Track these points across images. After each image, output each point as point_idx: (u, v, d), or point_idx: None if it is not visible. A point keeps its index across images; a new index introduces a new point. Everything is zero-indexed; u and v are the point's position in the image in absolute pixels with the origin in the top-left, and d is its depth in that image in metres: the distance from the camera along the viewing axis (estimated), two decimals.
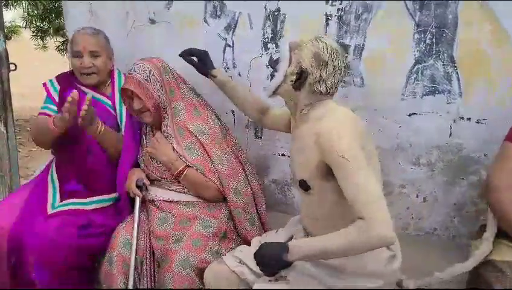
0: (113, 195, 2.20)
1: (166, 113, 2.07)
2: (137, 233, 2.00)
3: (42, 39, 5.80)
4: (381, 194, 1.46)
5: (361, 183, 1.44)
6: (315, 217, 1.71)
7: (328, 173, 1.54)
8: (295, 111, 1.68)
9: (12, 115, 2.75)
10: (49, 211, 2.07)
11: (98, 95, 2.22)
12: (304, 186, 1.64)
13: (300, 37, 1.62)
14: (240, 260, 1.79)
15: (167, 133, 2.08)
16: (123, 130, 2.19)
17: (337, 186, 1.52)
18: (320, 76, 1.57)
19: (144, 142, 2.18)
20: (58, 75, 2.32)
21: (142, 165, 2.18)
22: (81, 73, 2.16)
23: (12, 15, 6.20)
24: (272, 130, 2.19)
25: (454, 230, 2.24)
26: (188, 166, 2.04)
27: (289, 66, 1.60)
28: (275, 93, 1.67)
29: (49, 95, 2.23)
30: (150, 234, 2.05)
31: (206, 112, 2.13)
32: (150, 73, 2.01)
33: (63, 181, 2.18)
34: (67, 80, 2.26)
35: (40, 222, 1.99)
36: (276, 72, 1.63)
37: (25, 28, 5.88)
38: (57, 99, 2.21)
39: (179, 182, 2.08)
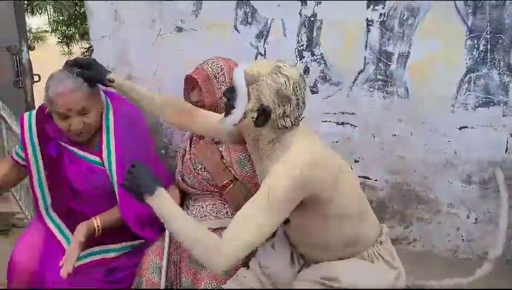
0: (138, 241, 2.03)
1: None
2: (168, 259, 1.92)
3: (68, 45, 5.82)
4: (251, 242, 1.40)
5: (250, 215, 1.40)
6: (305, 244, 1.67)
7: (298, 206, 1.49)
8: (258, 144, 1.57)
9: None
10: None
11: (83, 153, 1.94)
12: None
13: (253, 66, 1.48)
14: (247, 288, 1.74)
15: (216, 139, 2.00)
16: (115, 186, 1.92)
17: (311, 213, 1.51)
18: (284, 112, 1.46)
19: (188, 147, 2.09)
20: (37, 113, 1.96)
21: (178, 177, 2.08)
22: (73, 134, 1.87)
23: (39, 21, 6.25)
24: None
25: (510, 254, 2.09)
26: (235, 179, 1.95)
27: (248, 101, 1.47)
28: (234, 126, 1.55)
29: (22, 137, 1.93)
30: (180, 259, 1.96)
31: None
32: (220, 71, 1.95)
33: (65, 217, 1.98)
34: (43, 126, 1.93)
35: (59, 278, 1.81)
36: (231, 103, 1.49)
37: (51, 34, 5.91)
38: (27, 142, 1.92)
39: (219, 195, 1.99)
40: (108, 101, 1.96)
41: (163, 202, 1.45)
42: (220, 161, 1.95)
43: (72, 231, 1.86)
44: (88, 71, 1.81)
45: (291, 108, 1.46)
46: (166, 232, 1.95)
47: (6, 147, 3.39)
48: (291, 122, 1.48)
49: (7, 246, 2.51)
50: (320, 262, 1.64)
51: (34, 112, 1.96)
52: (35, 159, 1.92)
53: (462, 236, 2.15)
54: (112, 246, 1.96)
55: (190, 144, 2.09)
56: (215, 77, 1.94)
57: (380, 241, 1.61)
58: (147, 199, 1.44)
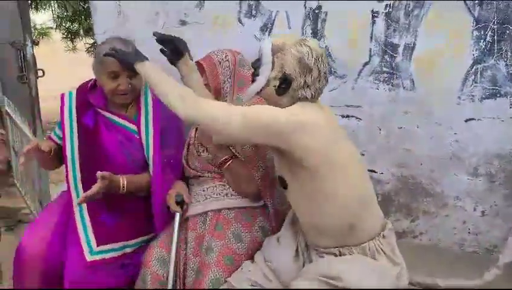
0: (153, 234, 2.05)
1: (225, 101, 2.04)
2: (176, 252, 1.91)
3: (72, 41, 5.81)
4: (218, 116, 1.51)
5: (231, 109, 1.53)
6: (303, 218, 1.69)
7: (289, 161, 1.56)
8: None
9: (41, 121, 2.70)
10: (88, 257, 1.90)
11: (121, 121, 2.01)
12: (282, 183, 1.66)
13: (280, 38, 1.59)
14: (252, 282, 1.73)
15: None
16: (151, 159, 1.99)
17: (307, 176, 1.55)
18: (305, 82, 1.55)
19: (193, 133, 2.14)
20: (81, 87, 2.10)
21: (183, 161, 2.13)
22: (117, 94, 1.95)
23: (44, 17, 6.25)
24: None
25: None
26: (234, 156, 1.98)
27: (272, 69, 1.56)
28: (255, 96, 1.65)
29: (61, 114, 2.02)
30: (186, 252, 1.97)
31: None
32: (225, 58, 2.06)
33: (95, 218, 1.99)
34: (84, 97, 2.04)
35: (78, 271, 1.86)
36: (258, 74, 1.59)
37: (55, 30, 5.90)
38: (66, 119, 2.01)
39: (221, 176, 2.03)
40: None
41: (151, 68, 1.65)
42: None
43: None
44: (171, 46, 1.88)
45: (312, 78, 1.54)
46: (175, 226, 1.95)
47: (12, 142, 3.41)
48: (312, 93, 1.56)
49: (13, 241, 2.52)
50: (322, 248, 1.65)
51: (74, 90, 2.06)
52: (70, 135, 1.99)
53: (469, 229, 2.12)
54: (130, 242, 1.98)
55: (195, 132, 2.13)
56: (220, 63, 2.04)
57: (383, 235, 1.61)
58: (138, 64, 1.65)
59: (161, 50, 1.85)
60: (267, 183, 1.99)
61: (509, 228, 1.92)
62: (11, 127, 3.34)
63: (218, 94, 2.05)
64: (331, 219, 1.57)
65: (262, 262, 1.77)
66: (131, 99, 2.00)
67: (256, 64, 1.60)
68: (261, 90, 1.59)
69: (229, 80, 2.06)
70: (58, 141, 2.04)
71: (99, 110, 2.00)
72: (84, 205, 1.96)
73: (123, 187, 1.90)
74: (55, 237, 1.93)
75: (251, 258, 1.88)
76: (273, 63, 1.55)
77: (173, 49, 1.82)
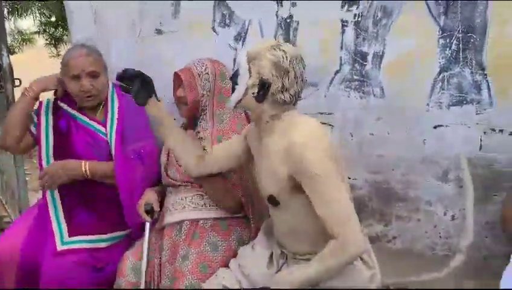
0: (129, 230, 2.12)
1: (204, 114, 2.05)
2: (147, 260, 1.94)
3: (56, 47, 5.80)
4: (352, 210, 1.49)
5: (334, 200, 1.47)
6: (287, 231, 1.68)
7: (297, 187, 1.53)
8: (259, 123, 1.63)
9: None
10: (59, 247, 1.97)
11: (90, 121, 2.11)
12: (273, 201, 1.63)
13: (255, 45, 1.59)
14: (224, 286, 1.77)
15: (201, 135, 2.05)
16: (113, 152, 2.07)
17: (307, 200, 1.52)
18: (283, 85, 1.54)
19: None
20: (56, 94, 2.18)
21: (162, 170, 2.13)
22: (81, 97, 2.05)
23: (28, 23, 6.23)
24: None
25: (486, 250, 2.11)
26: None
27: (249, 77, 1.56)
28: (236, 106, 1.63)
29: (38, 119, 2.13)
30: (160, 258, 2.00)
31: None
32: (204, 70, 2.03)
33: (69, 211, 2.08)
34: (60, 105, 2.15)
35: (50, 260, 1.92)
36: (237, 84, 1.59)
37: (39, 35, 5.89)
38: (43, 125, 2.12)
39: (199, 186, 2.03)
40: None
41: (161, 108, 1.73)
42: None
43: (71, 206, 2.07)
44: (136, 86, 1.76)
45: (289, 81, 1.53)
46: (146, 235, 1.98)
47: None
48: (290, 96, 1.55)
49: None
50: (299, 255, 1.67)
51: (51, 97, 2.16)
52: (46, 139, 2.09)
53: (440, 233, 2.15)
54: (103, 236, 2.05)
55: None
56: (199, 75, 2.01)
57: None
58: (150, 102, 1.72)
59: (124, 89, 1.75)
60: (248, 198, 2.00)
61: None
62: None
63: (195, 108, 2.03)
64: (316, 227, 1.56)
65: (236, 269, 1.79)
66: (97, 101, 2.08)
67: (235, 77, 1.60)
68: (240, 100, 1.59)
69: (208, 93, 2.03)
70: (33, 129, 2.13)
71: (72, 111, 2.10)
72: (58, 200, 2.07)
73: (85, 172, 1.99)
74: (29, 239, 1.98)
75: (227, 266, 1.89)
76: (249, 70, 1.56)
77: (140, 87, 1.74)
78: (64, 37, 5.85)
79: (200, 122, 2.06)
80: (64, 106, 2.12)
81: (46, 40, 5.79)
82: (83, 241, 2.00)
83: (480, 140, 2.00)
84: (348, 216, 1.46)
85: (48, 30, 5.78)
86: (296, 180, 1.52)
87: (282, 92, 1.54)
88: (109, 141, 2.08)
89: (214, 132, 2.03)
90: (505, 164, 1.99)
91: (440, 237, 2.16)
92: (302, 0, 2.08)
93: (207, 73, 2.02)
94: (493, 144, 1.99)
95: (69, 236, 2.01)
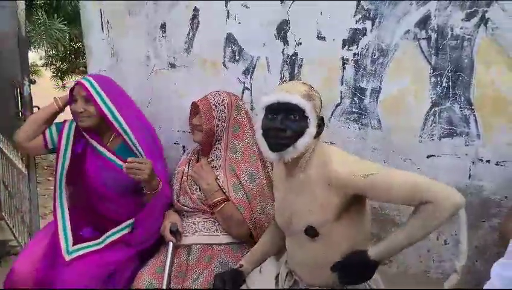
0: (124, 224, 2.21)
1: (219, 144, 2.14)
2: (168, 280, 1.99)
3: (62, 79, 5.95)
4: (418, 176, 1.51)
5: (402, 179, 1.48)
6: (315, 265, 1.68)
7: (345, 209, 1.57)
8: (297, 160, 1.62)
9: (34, 157, 2.80)
10: (66, 258, 2.08)
11: (101, 148, 2.24)
12: (312, 233, 1.62)
13: (297, 88, 1.61)
14: None
15: (215, 163, 2.12)
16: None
17: (347, 224, 1.58)
18: (322, 117, 1.65)
19: (186, 170, 2.23)
20: None
21: (174, 197, 2.20)
22: (75, 116, 2.21)
23: (33, 56, 6.39)
24: None
25: (477, 274, 2.18)
26: (227, 200, 2.06)
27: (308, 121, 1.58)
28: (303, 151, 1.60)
29: (59, 139, 2.28)
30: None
31: (259, 161, 2.17)
32: (221, 102, 2.14)
33: (76, 229, 2.19)
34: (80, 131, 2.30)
35: (60, 272, 2.01)
36: (295, 128, 1.56)
37: (46, 68, 6.04)
38: (62, 145, 2.26)
39: (211, 213, 2.09)
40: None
41: (381, 247, 1.53)
42: (214, 182, 2.08)
43: (83, 225, 2.20)
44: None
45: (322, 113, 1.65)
46: (168, 255, 2.03)
47: (2, 176, 3.50)
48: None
49: (1, 271, 2.60)
50: (317, 286, 1.70)
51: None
52: (63, 159, 2.26)
53: (433, 257, 2.23)
54: (99, 240, 2.15)
55: (188, 167, 2.24)
56: (215, 106, 2.11)
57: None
58: (373, 258, 1.52)
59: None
60: (258, 229, 2.07)
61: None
62: (2, 161, 3.44)
63: (210, 136, 2.12)
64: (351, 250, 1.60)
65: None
66: (89, 123, 2.19)
67: (287, 122, 1.56)
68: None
69: (223, 123, 2.12)
70: (50, 146, 2.28)
71: (88, 137, 2.23)
72: (67, 219, 2.19)
73: (157, 187, 2.10)
74: (44, 258, 2.08)
75: None
76: (312, 110, 1.58)
77: None
78: (69, 70, 6.03)
79: (214, 151, 2.15)
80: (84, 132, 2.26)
81: (53, 72, 5.95)
82: (83, 248, 2.11)
83: (469, 169, 2.09)
84: (424, 179, 1.47)
85: (54, 63, 5.95)
86: (347, 201, 1.54)
87: (323, 123, 1.65)
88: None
89: (227, 161, 2.12)
90: (492, 191, 2.08)
91: (433, 260, 2.24)
92: (306, 39, 2.23)
93: (223, 105, 2.13)
94: (481, 173, 2.08)
95: (73, 245, 2.12)
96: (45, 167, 5.64)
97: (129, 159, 1.98)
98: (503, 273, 0.93)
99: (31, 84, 2.72)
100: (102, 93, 2.17)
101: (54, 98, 2.28)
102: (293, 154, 1.58)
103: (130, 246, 2.16)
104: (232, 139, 2.15)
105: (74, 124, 2.29)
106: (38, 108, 2.80)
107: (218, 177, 2.09)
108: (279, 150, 1.58)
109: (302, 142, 1.56)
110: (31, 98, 2.73)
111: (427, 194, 1.42)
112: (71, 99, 2.20)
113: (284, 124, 1.56)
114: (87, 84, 2.15)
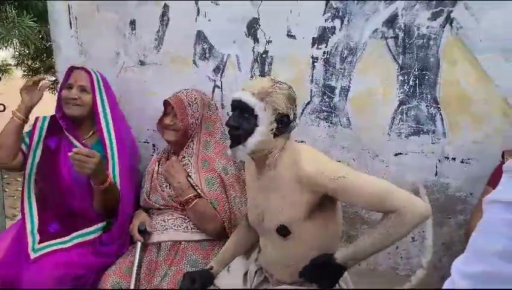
0: (93, 227, 2.18)
1: (191, 141, 2.13)
2: (136, 280, 1.97)
3: None
4: (388, 183, 1.50)
5: (370, 187, 1.47)
6: (287, 263, 1.68)
7: (315, 209, 1.57)
8: (265, 158, 1.62)
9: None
10: (32, 255, 2.03)
11: (78, 144, 2.21)
12: (283, 231, 1.62)
13: (254, 84, 1.57)
14: None
15: (186, 160, 2.11)
16: (118, 180, 2.16)
17: (318, 224, 1.58)
18: (294, 114, 1.60)
19: (156, 168, 2.22)
20: (53, 115, 2.31)
21: (144, 195, 2.19)
22: (66, 103, 2.19)
23: (3, 54, 6.25)
24: None
25: (443, 270, 2.23)
26: (199, 196, 2.04)
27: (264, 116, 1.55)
28: (254, 150, 1.58)
29: (31, 135, 2.24)
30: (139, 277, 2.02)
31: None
32: (194, 100, 2.13)
33: (44, 225, 2.15)
34: (54, 122, 2.27)
35: (25, 269, 1.96)
36: (246, 127, 1.55)
37: (16, 67, 5.90)
38: (35, 139, 2.23)
39: (181, 210, 2.08)
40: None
41: (348, 252, 1.52)
42: (185, 180, 2.06)
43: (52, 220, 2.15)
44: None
45: (296, 110, 1.60)
46: (136, 254, 2.02)
47: None
48: (296, 122, 1.63)
49: None
50: (285, 282, 1.70)
51: (48, 115, 2.31)
52: (33, 153, 2.22)
53: (401, 254, 2.27)
54: (66, 238, 2.12)
55: (158, 165, 2.22)
56: (190, 104, 2.10)
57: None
58: (339, 262, 1.51)
59: None
60: (231, 225, 2.06)
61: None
62: None
63: (184, 135, 2.11)
64: (322, 250, 1.61)
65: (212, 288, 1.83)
66: (80, 113, 2.19)
67: (240, 120, 1.56)
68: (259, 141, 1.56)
69: (197, 121, 2.12)
70: (24, 148, 2.22)
71: (64, 131, 2.21)
72: (35, 215, 2.16)
73: (105, 182, 2.05)
74: (9, 256, 2.03)
75: None
76: (264, 109, 1.53)
77: None
78: (41, 69, 5.90)
79: (186, 148, 2.14)
80: (61, 125, 2.23)
81: (24, 71, 5.81)
82: (50, 245, 2.07)
83: (436, 167, 2.14)
84: (392, 188, 1.47)
85: (25, 62, 5.81)
86: (318, 199, 1.54)
87: (294, 120, 1.60)
88: (110, 164, 2.17)
89: (199, 157, 2.11)
90: (458, 188, 2.13)
91: (401, 257, 2.28)
92: (277, 37, 2.24)
93: (196, 103, 2.12)
94: (447, 170, 2.12)
95: (39, 243, 2.07)
96: None
97: (75, 150, 1.92)
98: (464, 269, 0.94)
99: None
100: (102, 86, 2.24)
101: (12, 111, 2.18)
102: (243, 152, 1.58)
103: (100, 248, 2.12)
104: (204, 136, 2.15)
105: (48, 120, 2.27)
106: (4, 106, 2.75)
107: (190, 174, 2.08)
108: (232, 147, 1.60)
109: (252, 141, 1.55)
110: None
111: (392, 204, 1.43)
112: (64, 85, 2.21)
113: (236, 121, 1.57)
114: (93, 76, 2.22)
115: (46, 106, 2.58)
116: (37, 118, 2.29)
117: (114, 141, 2.19)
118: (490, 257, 0.90)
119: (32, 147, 2.22)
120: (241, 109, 1.56)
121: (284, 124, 1.57)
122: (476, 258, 0.93)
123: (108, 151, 2.18)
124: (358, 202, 1.50)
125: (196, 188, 2.06)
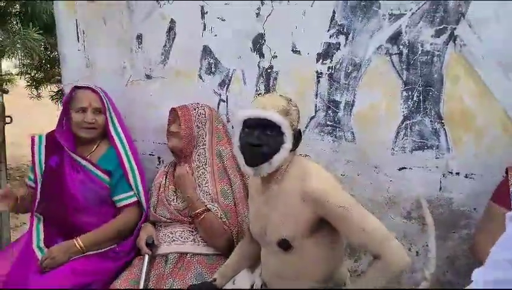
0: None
1: (202, 149, 2.16)
2: None
3: (37, 88, 5.84)
4: (384, 228, 1.52)
5: (367, 224, 1.50)
6: (288, 277, 1.68)
7: (317, 227, 1.57)
8: (273, 173, 1.61)
9: (6, 167, 2.76)
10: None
11: (84, 162, 2.22)
12: (284, 245, 1.62)
13: (274, 102, 1.58)
14: None
15: (203, 169, 2.14)
16: (142, 192, 2.23)
17: (320, 243, 1.59)
18: (300, 130, 1.64)
19: (163, 181, 2.22)
20: (50, 132, 2.31)
21: (151, 209, 2.20)
22: (82, 127, 2.20)
23: (7, 64, 6.28)
24: None
25: (448, 284, 2.24)
26: (208, 210, 2.04)
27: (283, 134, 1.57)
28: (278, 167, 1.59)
29: (32, 156, 2.25)
30: None
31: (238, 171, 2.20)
32: (200, 107, 2.19)
33: (50, 240, 2.17)
34: (52, 140, 2.27)
35: (34, 280, 1.97)
36: (274, 143, 1.55)
37: (20, 77, 5.92)
38: (36, 161, 2.24)
39: (188, 223, 2.10)
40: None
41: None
42: (194, 192, 2.08)
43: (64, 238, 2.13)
44: None
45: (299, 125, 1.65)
46: (144, 267, 2.02)
47: None
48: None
49: None
50: None
51: (43, 134, 2.31)
52: (40, 173, 2.23)
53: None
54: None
55: (165, 179, 2.23)
56: (195, 110, 2.16)
57: (344, 283, 1.73)
58: None
59: None
60: (238, 238, 2.07)
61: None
62: None
63: (189, 142, 2.13)
64: (322, 272, 1.64)
65: None
66: (94, 135, 2.22)
67: (266, 138, 1.55)
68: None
69: (203, 127, 2.15)
70: (33, 185, 2.22)
71: (67, 150, 2.19)
72: (42, 231, 2.18)
73: (80, 248, 2.08)
74: (17, 265, 2.04)
75: None
76: (288, 126, 1.56)
77: None
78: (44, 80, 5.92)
79: (198, 156, 2.16)
80: (61, 140, 2.23)
81: (28, 81, 5.83)
82: None
83: (440, 182, 2.14)
84: (385, 235, 1.49)
85: (29, 72, 5.83)
86: (318, 220, 1.55)
87: (300, 136, 1.63)
88: (131, 175, 2.22)
89: (215, 167, 2.14)
90: (461, 203, 2.14)
91: (405, 271, 2.28)
92: (282, 52, 2.26)
93: (203, 109, 2.17)
94: (451, 185, 2.13)
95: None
96: (17, 178, 5.53)
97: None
98: (484, 278, 0.98)
99: (4, 94, 2.68)
100: (110, 105, 2.27)
101: None
102: (268, 170, 1.58)
103: (108, 259, 2.13)
104: (217, 146, 2.18)
105: (44, 138, 2.28)
106: (11, 118, 2.77)
107: (206, 184, 2.09)
108: (254, 165, 1.58)
109: (278, 158, 1.56)
110: (4, 107, 2.70)
111: (379, 249, 1.47)
112: (68, 109, 2.22)
113: (260, 139, 1.55)
114: (102, 95, 2.24)
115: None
116: (33, 139, 2.30)
117: (131, 155, 2.23)
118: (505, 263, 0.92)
119: (37, 165, 2.24)
120: (263, 127, 1.55)
121: (297, 140, 1.61)
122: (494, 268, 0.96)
123: (127, 165, 2.22)
124: (350, 236, 1.53)
125: (204, 200, 2.07)
